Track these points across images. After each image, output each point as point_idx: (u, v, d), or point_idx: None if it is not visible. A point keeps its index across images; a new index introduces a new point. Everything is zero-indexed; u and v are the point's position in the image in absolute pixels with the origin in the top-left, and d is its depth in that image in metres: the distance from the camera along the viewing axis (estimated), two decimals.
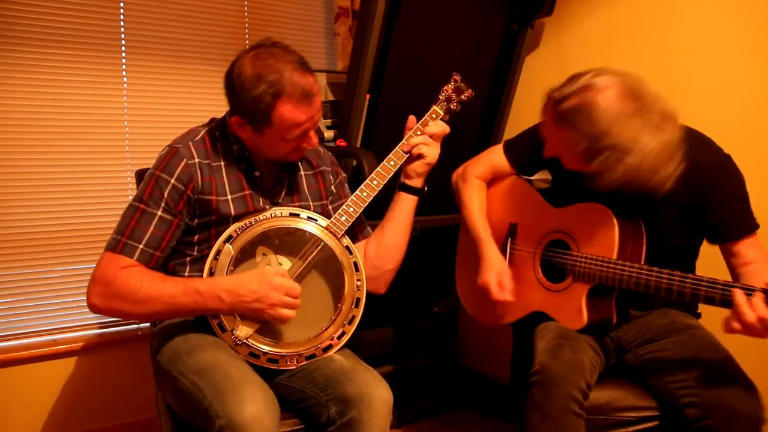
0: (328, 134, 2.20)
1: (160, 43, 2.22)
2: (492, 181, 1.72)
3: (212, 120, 1.48)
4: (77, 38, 2.07)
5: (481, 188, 1.70)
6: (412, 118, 1.50)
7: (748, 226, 1.41)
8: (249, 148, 1.42)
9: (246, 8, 2.41)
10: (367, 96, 2.02)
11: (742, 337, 1.19)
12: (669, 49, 1.99)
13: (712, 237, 1.45)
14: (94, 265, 1.32)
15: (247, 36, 2.42)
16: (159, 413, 1.46)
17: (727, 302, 1.21)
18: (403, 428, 2.35)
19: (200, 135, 1.42)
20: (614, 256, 1.41)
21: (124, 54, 2.16)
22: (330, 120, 2.22)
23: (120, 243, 1.31)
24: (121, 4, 2.14)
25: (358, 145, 2.06)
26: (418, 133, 1.48)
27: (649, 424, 1.42)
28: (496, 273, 1.57)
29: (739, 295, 1.18)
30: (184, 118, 2.29)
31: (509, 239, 1.66)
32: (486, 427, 2.43)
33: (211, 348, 1.31)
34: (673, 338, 1.44)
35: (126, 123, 2.18)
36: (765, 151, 1.79)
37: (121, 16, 2.14)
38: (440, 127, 1.48)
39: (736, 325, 1.17)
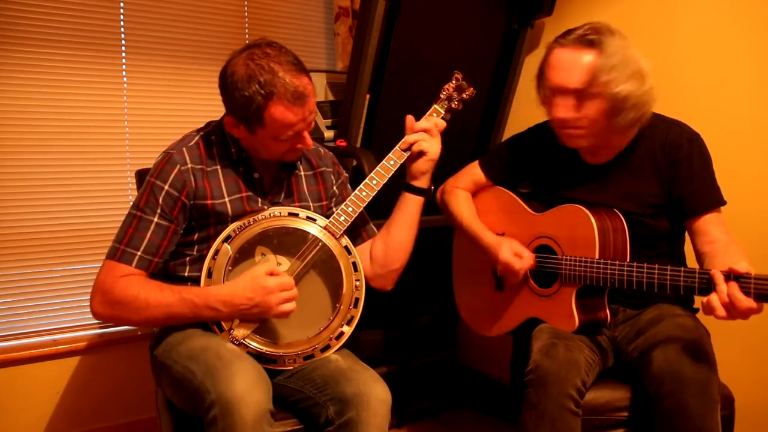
0: (328, 134, 2.20)
1: (160, 43, 2.22)
2: (474, 193, 1.75)
3: (209, 124, 1.48)
4: (77, 38, 2.06)
5: (467, 196, 1.73)
6: (410, 118, 1.49)
7: (714, 200, 1.44)
8: (247, 150, 1.42)
9: (246, 8, 2.41)
10: (367, 96, 2.02)
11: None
12: (669, 49, 1.98)
13: (681, 212, 1.46)
14: (94, 266, 1.33)
15: (247, 36, 2.42)
16: (159, 412, 1.46)
17: (704, 289, 1.22)
18: (403, 428, 2.34)
19: (195, 140, 1.42)
20: (596, 256, 1.42)
21: (124, 54, 2.16)
22: (330, 120, 2.22)
23: (119, 251, 1.33)
24: (121, 4, 2.14)
25: (358, 145, 2.06)
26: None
27: None
28: (508, 247, 1.56)
29: (718, 275, 1.19)
30: (184, 118, 2.29)
31: None
32: (486, 427, 2.43)
33: (202, 335, 1.33)
34: (656, 328, 1.43)
35: (126, 123, 2.18)
36: (766, 150, 1.79)
37: (121, 16, 2.14)
38: (431, 123, 1.47)
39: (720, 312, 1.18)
